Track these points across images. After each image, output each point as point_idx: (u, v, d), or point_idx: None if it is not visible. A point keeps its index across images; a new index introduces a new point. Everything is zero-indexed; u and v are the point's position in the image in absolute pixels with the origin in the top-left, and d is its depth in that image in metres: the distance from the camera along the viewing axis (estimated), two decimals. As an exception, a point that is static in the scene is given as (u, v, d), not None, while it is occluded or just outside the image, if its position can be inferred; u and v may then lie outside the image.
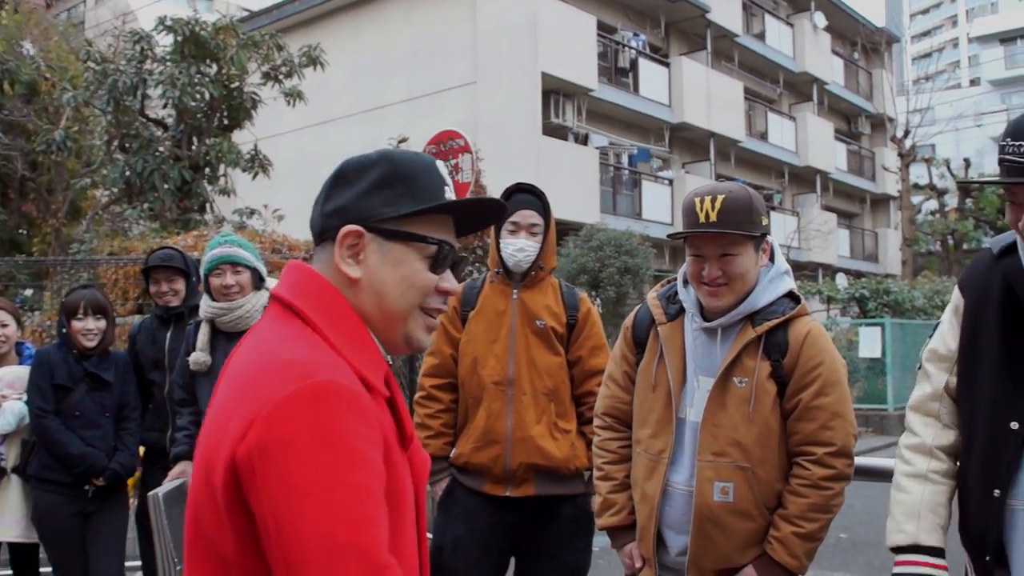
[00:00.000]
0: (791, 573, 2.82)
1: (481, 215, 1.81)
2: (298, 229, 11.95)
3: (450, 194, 1.69)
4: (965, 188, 35.09)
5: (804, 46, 30.82)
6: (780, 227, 28.85)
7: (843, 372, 2.88)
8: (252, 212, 13.48)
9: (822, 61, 31.91)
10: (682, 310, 2.99)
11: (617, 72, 23.79)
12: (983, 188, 34.76)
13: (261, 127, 14.71)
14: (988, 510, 2.31)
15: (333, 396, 1.43)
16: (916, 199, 34.16)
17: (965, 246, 36.58)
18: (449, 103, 20.58)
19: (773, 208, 29.50)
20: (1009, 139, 2.16)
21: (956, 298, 2.53)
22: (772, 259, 2.95)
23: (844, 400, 2.83)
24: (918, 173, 33.62)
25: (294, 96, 13.89)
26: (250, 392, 1.47)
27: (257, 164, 14.12)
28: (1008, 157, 2.15)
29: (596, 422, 3.24)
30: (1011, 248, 2.38)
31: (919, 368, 2.60)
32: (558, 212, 15.48)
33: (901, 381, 17.74)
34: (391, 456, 1.52)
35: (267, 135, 15.90)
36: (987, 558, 2.33)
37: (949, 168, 35.64)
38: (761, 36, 29.34)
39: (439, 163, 1.72)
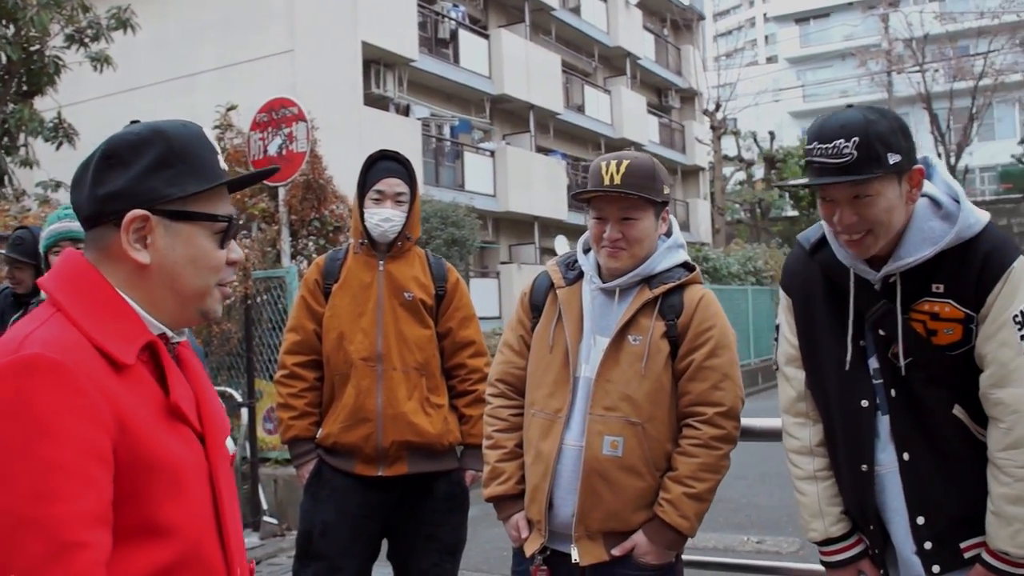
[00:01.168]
0: (682, 535, 2.84)
1: (253, 177, 1.82)
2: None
3: (223, 162, 1.69)
4: (771, 160, 36.66)
5: (617, 21, 31.39)
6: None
7: (733, 338, 2.97)
8: (58, 185, 12.61)
9: (634, 36, 32.59)
10: (580, 276, 3.03)
11: (438, 43, 23.61)
12: (787, 160, 36.42)
13: (65, 94, 13.78)
14: (860, 484, 2.52)
15: (34, 368, 1.40)
16: (726, 170, 35.41)
17: (771, 214, 38.27)
18: (266, 72, 19.85)
19: (590, 180, 29.95)
20: (816, 142, 2.34)
21: (783, 299, 2.72)
22: (669, 233, 3.03)
23: (734, 364, 2.92)
24: (726, 146, 34.83)
25: (101, 61, 13.03)
26: None
27: (61, 133, 13.21)
28: (817, 159, 2.33)
29: (489, 389, 3.19)
30: (821, 242, 2.58)
31: (776, 371, 2.77)
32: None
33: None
34: (138, 427, 1.49)
35: (71, 102, 14.89)
36: (872, 527, 2.54)
37: (756, 141, 37.14)
38: (577, 10, 29.67)
39: (205, 130, 1.70)
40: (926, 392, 2.42)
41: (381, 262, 3.80)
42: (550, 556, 2.90)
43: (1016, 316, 2.32)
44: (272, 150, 9.34)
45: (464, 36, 24.36)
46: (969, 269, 2.35)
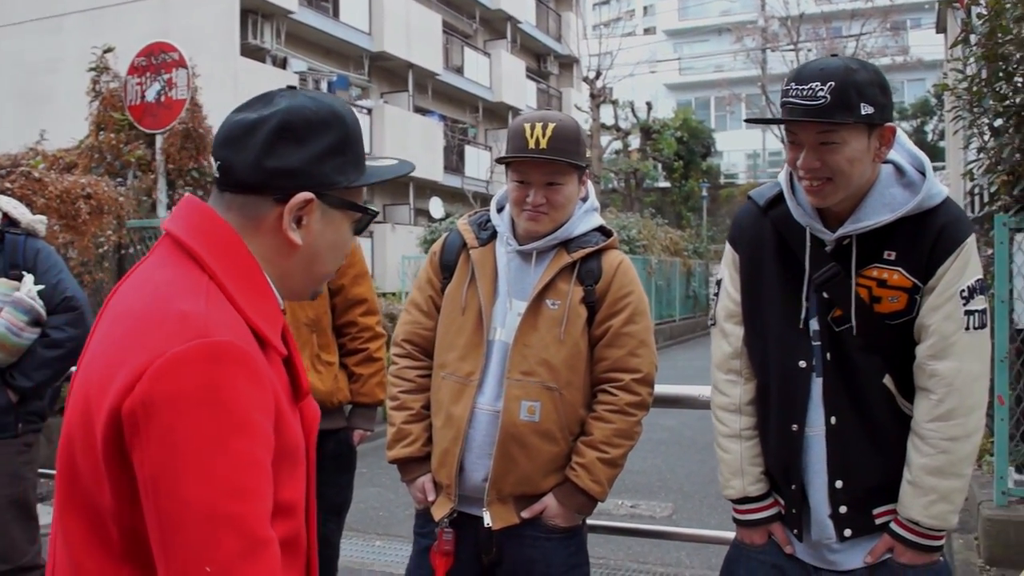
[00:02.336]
0: (592, 499, 2.83)
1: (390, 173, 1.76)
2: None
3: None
4: (647, 131, 37.12)
5: (500, -17, 31.21)
6: (475, 162, 29.34)
7: (648, 305, 2.96)
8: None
9: (516, 0, 32.47)
10: (493, 236, 2.96)
11: (317, -5, 23.14)
12: (663, 132, 36.93)
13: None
14: (789, 444, 2.54)
15: (227, 357, 1.38)
16: (603, 139, 35.77)
17: (644, 185, 38.82)
18: (138, 16, 19.16)
19: (468, 142, 29.95)
20: (793, 83, 2.33)
21: (730, 254, 2.70)
22: (586, 197, 2.99)
23: (650, 330, 2.92)
24: (604, 115, 35.16)
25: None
26: (141, 341, 1.39)
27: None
28: (791, 100, 2.32)
29: (394, 349, 3.10)
30: (776, 200, 2.59)
31: (712, 325, 2.76)
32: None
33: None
34: (283, 415, 1.49)
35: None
36: (793, 487, 2.56)
37: (633, 110, 37.54)
38: (459, -30, 29.44)
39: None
40: (860, 358, 2.44)
41: None
42: (456, 518, 2.86)
43: (963, 291, 2.34)
44: (150, 96, 9.08)
45: (345, -10, 23.94)
46: (924, 239, 2.37)
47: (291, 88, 1.65)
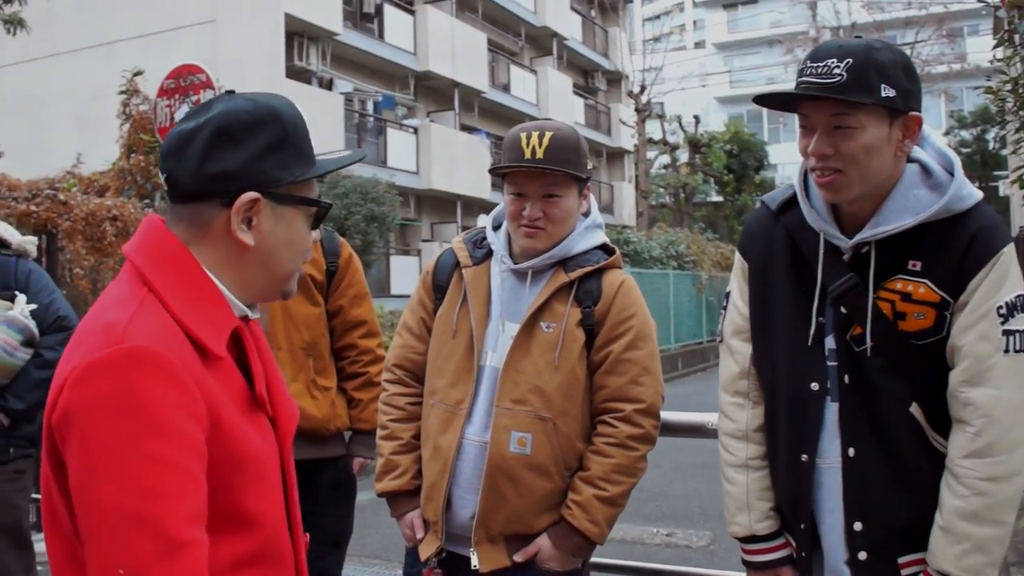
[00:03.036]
0: (589, 541, 2.62)
1: (342, 163, 1.77)
2: (18, 168, 10.92)
3: (313, 146, 1.69)
4: (695, 144, 36.86)
5: (545, 1, 31.16)
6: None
7: (654, 328, 2.75)
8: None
9: (561, 16, 32.42)
10: (489, 254, 2.78)
11: (363, 17, 23.27)
12: (711, 145, 36.66)
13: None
14: (798, 476, 2.28)
15: (142, 362, 1.39)
16: (650, 154, 35.58)
17: (694, 199, 38.54)
18: (186, 41, 19.40)
19: (516, 160, 29.89)
20: (808, 61, 2.11)
21: (739, 263, 2.47)
22: (587, 213, 2.81)
23: (655, 356, 2.70)
24: (651, 129, 34.98)
25: (14, 24, 12.53)
26: (71, 355, 1.44)
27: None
28: (805, 78, 2.10)
29: (385, 375, 2.93)
30: (789, 203, 2.34)
31: (720, 343, 2.51)
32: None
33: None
34: (228, 422, 1.49)
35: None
36: (802, 526, 2.30)
37: (681, 124, 37.32)
38: (504, -11, 29.49)
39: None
40: (883, 383, 2.16)
41: None
42: (446, 559, 2.68)
43: (1000, 307, 2.06)
44: (179, 117, 9.09)
45: (389, 11, 24.02)
46: (953, 248, 2.09)
47: (230, 93, 1.63)
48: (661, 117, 36.35)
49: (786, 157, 47.29)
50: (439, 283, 2.85)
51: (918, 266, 2.13)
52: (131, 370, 1.38)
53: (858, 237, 2.17)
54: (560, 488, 2.63)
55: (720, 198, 40.03)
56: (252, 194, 1.55)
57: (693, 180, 36.91)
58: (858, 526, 2.18)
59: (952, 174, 2.16)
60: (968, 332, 2.08)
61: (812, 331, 2.24)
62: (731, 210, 39.07)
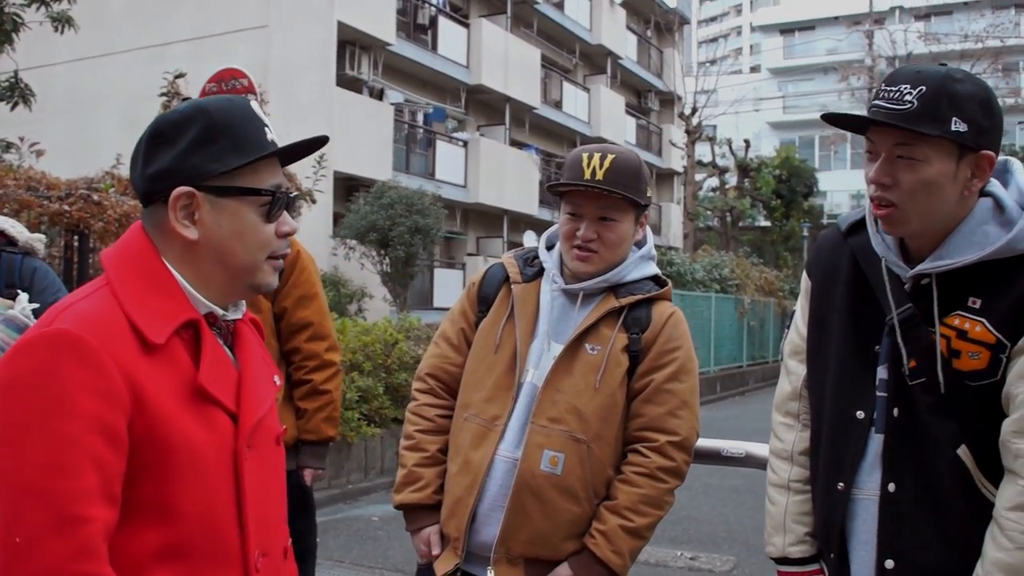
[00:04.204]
0: (611, 572, 2.52)
1: (304, 147, 1.78)
2: (64, 167, 11.00)
3: (271, 135, 1.69)
4: (744, 168, 36.64)
5: (601, 19, 31.21)
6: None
7: (696, 365, 2.71)
8: (8, 146, 12.24)
9: (617, 35, 32.43)
10: (539, 273, 2.74)
11: (416, 28, 23.38)
12: (760, 169, 36.41)
13: (29, 55, 13.40)
14: (832, 503, 2.22)
15: (60, 343, 1.46)
16: (699, 176, 35.42)
17: (741, 223, 38.26)
18: (238, 45, 19.56)
19: (563, 177, 29.86)
20: (884, 84, 2.03)
21: (804, 282, 2.42)
22: (642, 243, 2.77)
23: (695, 392, 2.65)
24: (701, 151, 34.84)
25: (62, 22, 12.65)
26: None
27: (17, 94, 12.77)
28: (877, 102, 2.01)
29: (416, 384, 2.85)
30: (859, 225, 2.27)
31: (780, 360, 2.48)
32: (350, 167, 15.16)
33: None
34: (157, 408, 1.51)
35: (35, 65, 14.56)
36: (832, 555, 2.24)
37: (731, 148, 37.11)
38: (560, 5, 29.51)
39: (252, 103, 1.71)
40: (932, 421, 2.07)
41: None
42: None
43: None
44: (220, 122, 9.17)
45: (443, 23, 24.13)
46: (1015, 288, 2.00)
47: (185, 99, 1.63)
48: (712, 140, 36.18)
49: (836, 184, 47.00)
50: (484, 296, 2.80)
51: (977, 304, 2.04)
52: (48, 351, 1.46)
53: (919, 268, 2.09)
54: (587, 514, 2.55)
55: (767, 223, 39.75)
56: (183, 188, 1.61)
57: (741, 204, 36.66)
58: (889, 564, 2.12)
59: None
60: (1023, 380, 1.97)
61: (864, 357, 2.19)
62: (778, 235, 38.75)
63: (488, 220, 25.90)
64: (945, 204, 2.02)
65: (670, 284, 2.78)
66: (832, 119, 2.14)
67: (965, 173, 2.01)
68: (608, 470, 2.57)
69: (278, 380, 1.88)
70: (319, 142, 1.78)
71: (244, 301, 1.82)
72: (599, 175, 2.57)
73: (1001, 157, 2.10)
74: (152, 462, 1.51)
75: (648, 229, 2.80)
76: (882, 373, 2.17)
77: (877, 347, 2.17)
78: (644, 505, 2.52)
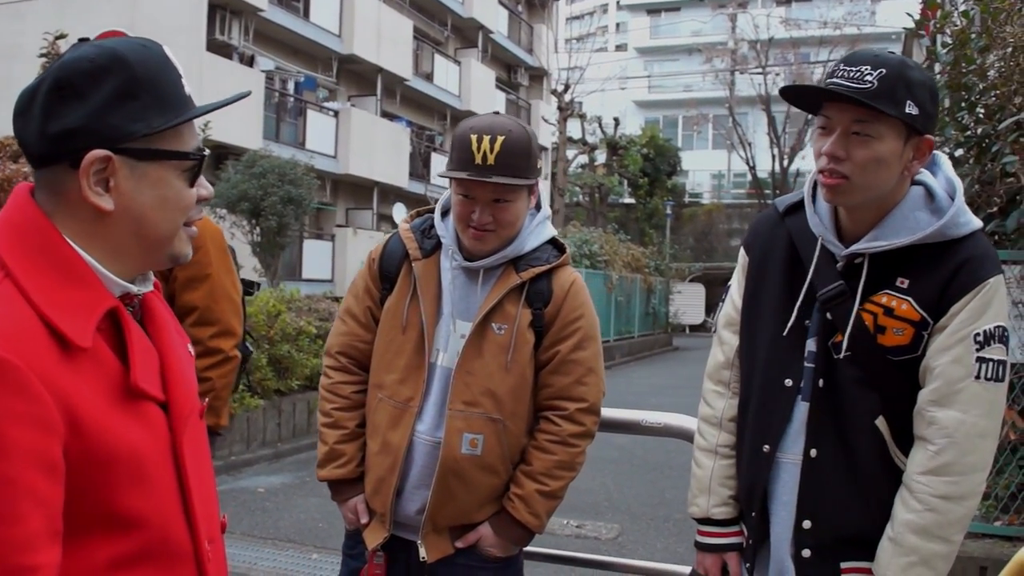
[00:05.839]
0: (530, 532, 2.69)
1: (221, 105, 1.56)
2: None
3: (188, 88, 1.47)
4: (614, 146, 37.22)
5: (473, -8, 31.17)
6: (440, 169, 29.18)
7: (599, 328, 2.79)
8: None
9: (489, 9, 32.44)
10: (438, 245, 2.74)
11: (288, -6, 22.98)
12: (629, 148, 37.04)
13: None
14: (757, 465, 2.35)
15: None
16: (569, 153, 35.82)
17: (610, 199, 38.91)
18: (103, 5, 18.87)
19: (435, 149, 29.84)
20: (842, 64, 2.16)
21: (741, 258, 2.53)
22: (539, 207, 2.79)
23: (599, 356, 2.74)
24: (571, 128, 35.21)
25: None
26: None
27: None
28: (835, 80, 2.13)
29: (327, 361, 2.88)
30: (796, 206, 2.40)
31: (712, 332, 2.60)
32: (220, 135, 14.79)
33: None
34: (90, 420, 1.33)
35: None
36: (753, 514, 2.38)
37: (601, 126, 37.64)
38: (433, -24, 29.36)
39: (166, 50, 1.47)
40: (854, 392, 2.22)
41: None
42: (389, 542, 2.70)
43: (978, 335, 2.10)
44: (102, 86, 8.89)
45: (316, -10, 23.78)
46: (941, 271, 2.15)
47: (83, 40, 1.44)
48: (582, 117, 36.63)
49: (698, 164, 48.12)
50: (387, 273, 2.79)
51: (905, 283, 2.19)
52: None
53: (853, 247, 2.23)
54: (504, 481, 2.68)
55: (633, 200, 40.50)
56: (99, 152, 1.37)
57: (609, 181, 37.28)
58: (807, 524, 2.26)
59: (953, 200, 2.22)
60: (943, 354, 2.13)
61: (789, 327, 2.31)
62: (642, 212, 39.57)
63: (358, 191, 25.72)
64: (888, 181, 2.16)
65: (568, 251, 2.81)
66: (789, 93, 2.25)
67: (908, 154, 2.16)
68: (523, 439, 2.68)
69: (192, 349, 1.74)
70: (242, 97, 1.57)
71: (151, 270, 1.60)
72: (490, 160, 2.53)
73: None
74: (95, 477, 1.34)
75: (541, 193, 2.82)
76: (811, 346, 2.30)
77: (807, 321, 2.31)
78: (558, 470, 2.64)
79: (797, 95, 2.27)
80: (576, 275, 2.79)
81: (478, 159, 2.53)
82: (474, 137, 2.55)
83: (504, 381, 2.62)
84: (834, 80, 2.13)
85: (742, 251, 2.55)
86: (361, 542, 2.75)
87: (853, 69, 2.11)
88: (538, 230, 2.75)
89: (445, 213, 2.77)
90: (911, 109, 2.10)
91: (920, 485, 2.13)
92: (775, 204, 2.50)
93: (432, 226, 2.77)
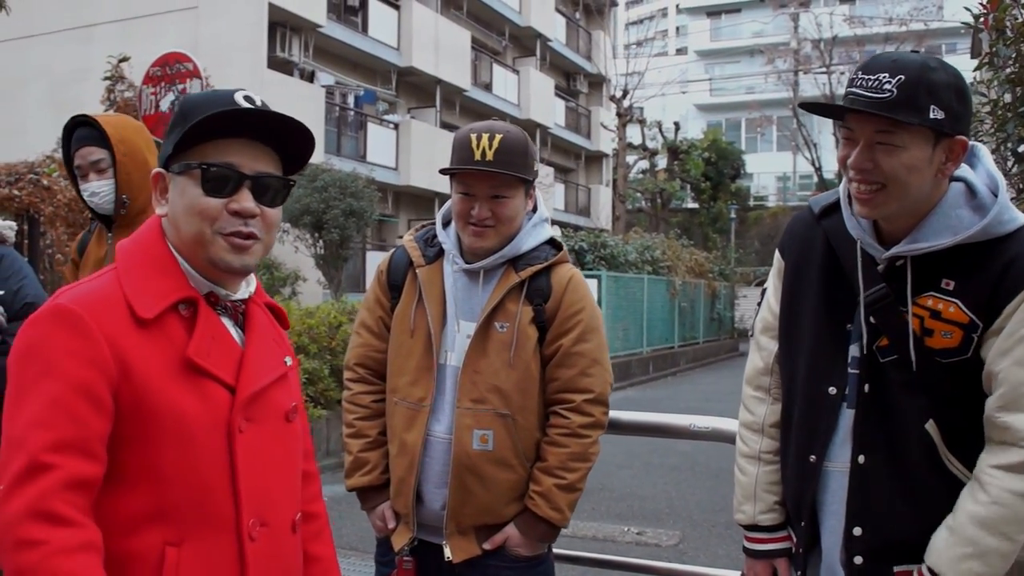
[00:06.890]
0: (554, 527, 2.75)
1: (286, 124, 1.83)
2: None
3: (245, 102, 1.76)
4: (675, 151, 37.02)
5: (530, 1, 31.26)
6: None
7: (601, 320, 2.87)
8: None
9: (546, 17, 32.53)
10: (441, 253, 2.86)
11: (346, 10, 23.25)
12: (690, 152, 36.80)
13: (-50, 35, 13.11)
14: (804, 475, 2.31)
15: (54, 317, 1.63)
16: (629, 158, 35.72)
17: (672, 204, 38.69)
18: (168, 27, 19.28)
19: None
20: (860, 72, 2.08)
21: (777, 262, 2.49)
22: (535, 210, 2.89)
23: (603, 347, 2.81)
24: (631, 133, 35.13)
25: (-3, 4, 12.37)
26: None
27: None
28: (854, 90, 2.06)
29: (347, 374, 3.00)
30: (832, 208, 2.34)
31: (750, 337, 2.57)
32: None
33: (612, 332, 18.39)
34: (145, 377, 1.64)
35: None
36: (802, 523, 2.34)
37: (661, 130, 37.47)
38: (489, -13, 29.50)
39: (243, 94, 1.78)
40: (902, 396, 2.16)
41: (109, 234, 3.57)
42: (418, 546, 2.79)
43: None
44: (164, 106, 9.04)
45: (374, 5, 24.00)
46: (989, 271, 2.07)
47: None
48: (642, 122, 36.50)
49: (762, 167, 47.66)
50: (394, 282, 2.91)
51: (951, 285, 2.12)
52: (45, 324, 1.63)
53: (894, 250, 2.16)
54: (523, 478, 2.75)
55: (696, 205, 40.24)
56: (157, 170, 1.81)
57: (670, 186, 37.11)
58: (858, 531, 2.22)
59: (997, 196, 2.13)
60: (1003, 358, 2.06)
61: (836, 335, 2.27)
62: (706, 217, 39.30)
63: (419, 202, 25.89)
64: (921, 188, 2.08)
65: (565, 247, 2.90)
66: (809, 107, 2.20)
67: (940, 158, 2.07)
68: (535, 433, 2.77)
69: (290, 360, 1.96)
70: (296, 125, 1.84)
71: (253, 282, 1.92)
72: (489, 155, 2.66)
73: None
74: (139, 428, 1.63)
75: (539, 196, 2.91)
76: (854, 351, 2.25)
77: (849, 325, 2.25)
78: (572, 462, 2.73)
79: (816, 109, 2.20)
80: (575, 270, 2.88)
81: (477, 155, 2.68)
82: (473, 136, 2.71)
83: (509, 377, 2.72)
84: (852, 90, 2.06)
85: (777, 254, 2.50)
86: (392, 549, 2.83)
87: (871, 78, 2.03)
88: (536, 231, 2.86)
89: (447, 224, 2.89)
90: (935, 114, 2.01)
91: (991, 478, 2.05)
92: (810, 205, 2.43)
93: (434, 236, 2.90)
